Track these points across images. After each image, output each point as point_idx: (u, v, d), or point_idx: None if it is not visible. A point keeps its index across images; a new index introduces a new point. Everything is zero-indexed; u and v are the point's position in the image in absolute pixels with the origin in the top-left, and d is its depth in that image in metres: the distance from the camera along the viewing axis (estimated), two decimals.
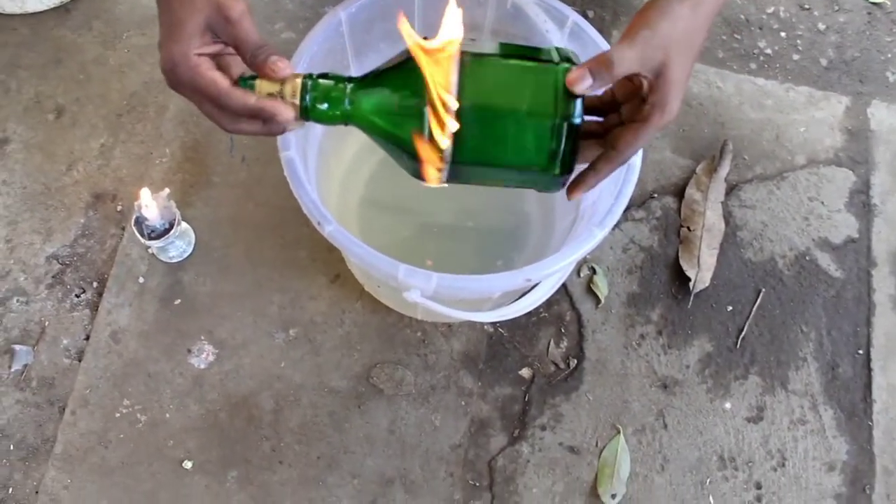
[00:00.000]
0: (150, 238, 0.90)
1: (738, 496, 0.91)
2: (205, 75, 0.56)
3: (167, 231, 0.90)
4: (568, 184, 0.61)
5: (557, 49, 0.59)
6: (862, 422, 0.95)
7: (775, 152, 1.08)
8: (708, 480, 0.91)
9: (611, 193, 0.70)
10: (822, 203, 1.06)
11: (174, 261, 0.97)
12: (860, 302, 1.00)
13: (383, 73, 0.58)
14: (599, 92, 0.62)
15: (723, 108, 1.10)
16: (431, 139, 0.55)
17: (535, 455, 0.91)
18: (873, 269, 1.02)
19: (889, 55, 1.16)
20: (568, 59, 0.58)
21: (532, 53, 0.59)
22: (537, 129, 0.56)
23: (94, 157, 1.03)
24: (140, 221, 0.90)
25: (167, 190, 0.91)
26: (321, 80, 0.57)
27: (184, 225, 0.95)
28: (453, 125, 0.54)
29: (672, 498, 0.91)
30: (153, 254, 0.97)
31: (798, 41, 1.16)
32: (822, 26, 1.17)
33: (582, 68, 0.55)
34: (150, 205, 0.88)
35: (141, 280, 0.96)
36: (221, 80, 0.57)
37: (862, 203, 1.06)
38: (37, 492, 0.87)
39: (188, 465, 0.89)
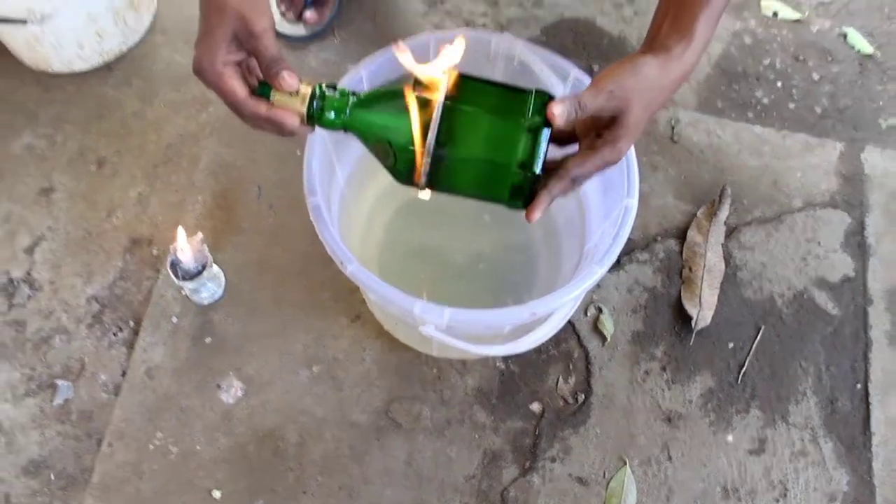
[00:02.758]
0: (184, 279, 0.96)
1: None
2: (226, 83, 0.63)
3: (200, 273, 0.97)
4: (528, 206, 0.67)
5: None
6: (861, 454, 0.98)
7: (773, 196, 1.13)
8: None
9: (610, 235, 0.76)
10: (819, 244, 1.10)
11: (205, 302, 1.03)
12: (857, 338, 1.04)
13: (380, 93, 0.66)
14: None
15: (722, 155, 1.16)
16: (413, 148, 0.62)
17: (545, 486, 0.95)
18: (869, 307, 1.06)
19: (881, 103, 1.21)
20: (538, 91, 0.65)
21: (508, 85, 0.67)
22: (512, 126, 0.63)
23: (132, 205, 1.10)
24: (175, 263, 0.97)
25: (200, 234, 0.97)
26: (328, 92, 0.65)
27: (215, 268, 1.02)
28: (434, 134, 0.61)
29: None
30: (186, 295, 1.03)
31: (793, 91, 1.22)
32: (816, 76, 1.23)
33: (559, 102, 0.62)
34: (185, 248, 0.95)
35: (174, 320, 1.02)
36: (240, 90, 0.63)
37: (857, 243, 1.10)
38: None
39: (217, 494, 0.94)
